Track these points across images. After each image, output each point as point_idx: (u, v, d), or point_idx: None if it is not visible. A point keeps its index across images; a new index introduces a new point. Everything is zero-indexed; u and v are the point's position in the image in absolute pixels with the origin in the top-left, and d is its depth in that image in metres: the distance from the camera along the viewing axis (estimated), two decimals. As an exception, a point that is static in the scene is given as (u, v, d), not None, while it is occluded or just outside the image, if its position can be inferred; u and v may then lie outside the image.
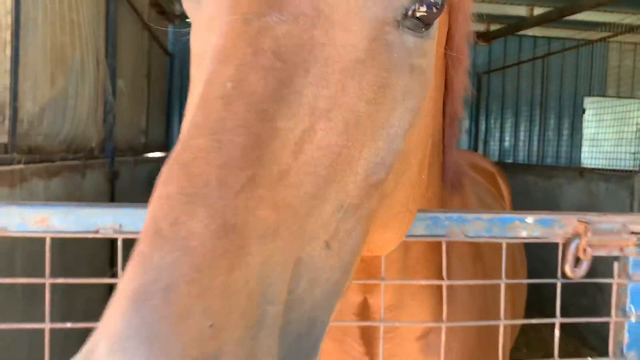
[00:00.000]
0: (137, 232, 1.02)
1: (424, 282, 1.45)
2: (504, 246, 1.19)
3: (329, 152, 0.71)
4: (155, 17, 8.10)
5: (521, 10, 9.07)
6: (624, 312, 1.23)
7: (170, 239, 0.58)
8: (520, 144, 10.75)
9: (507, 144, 10.95)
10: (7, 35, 3.09)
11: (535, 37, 10.56)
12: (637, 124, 6.94)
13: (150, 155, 7.81)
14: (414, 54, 0.85)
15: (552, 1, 8.41)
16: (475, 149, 11.12)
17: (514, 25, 9.40)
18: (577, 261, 1.18)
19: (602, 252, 1.19)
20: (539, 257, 3.40)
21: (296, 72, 0.71)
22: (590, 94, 10.46)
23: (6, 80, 3.11)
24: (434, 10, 0.83)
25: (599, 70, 10.48)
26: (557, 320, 1.21)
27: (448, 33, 1.29)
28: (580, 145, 10.36)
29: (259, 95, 0.67)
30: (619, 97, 10.39)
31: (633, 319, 1.22)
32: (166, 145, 9.56)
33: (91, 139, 4.92)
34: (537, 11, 8.93)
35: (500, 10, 9.03)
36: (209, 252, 0.57)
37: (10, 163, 3.06)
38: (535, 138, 10.29)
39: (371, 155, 0.78)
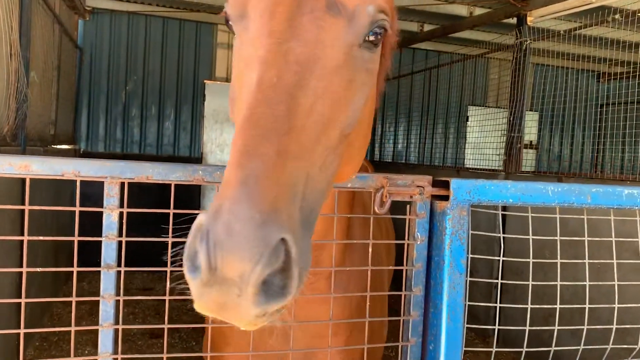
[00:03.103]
0: (95, 177, 1.55)
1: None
2: (336, 194, 1.82)
3: (324, 116, 1.30)
4: (66, 10, 8.22)
5: (413, 26, 10.06)
6: (413, 238, 1.90)
7: (253, 155, 1.14)
8: (412, 146, 11.82)
9: (400, 146, 12.00)
10: (-64, 27, 3.36)
11: (427, 51, 11.66)
12: (503, 130, 8.04)
13: (59, 147, 7.93)
14: (368, 62, 1.48)
15: (439, 19, 9.45)
16: (372, 151, 12.07)
17: (408, 39, 10.42)
18: (383, 203, 1.84)
19: (398, 198, 1.85)
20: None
21: (307, 73, 1.30)
22: (473, 103, 11.71)
23: None
24: (379, 37, 1.47)
25: (481, 82, 11.74)
26: (371, 242, 1.87)
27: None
28: (464, 148, 11.50)
29: (290, 85, 1.26)
30: (497, 107, 11.64)
31: (419, 242, 1.90)
32: (74, 137, 9.61)
33: (3, 127, 5.12)
34: (427, 27, 9.96)
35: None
36: (272, 163, 1.14)
37: None
38: (425, 141, 11.36)
39: (345, 118, 1.39)
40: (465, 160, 11.16)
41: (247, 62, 1.37)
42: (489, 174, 7.49)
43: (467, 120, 11.63)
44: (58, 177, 1.55)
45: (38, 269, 1.64)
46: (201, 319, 1.35)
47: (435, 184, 1.89)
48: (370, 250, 1.88)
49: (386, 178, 1.83)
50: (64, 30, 7.84)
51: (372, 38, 1.46)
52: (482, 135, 10.37)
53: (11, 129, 5.29)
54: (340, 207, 1.95)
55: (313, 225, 1.25)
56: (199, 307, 1.11)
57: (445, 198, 1.86)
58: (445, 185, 1.87)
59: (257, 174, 1.10)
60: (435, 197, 1.89)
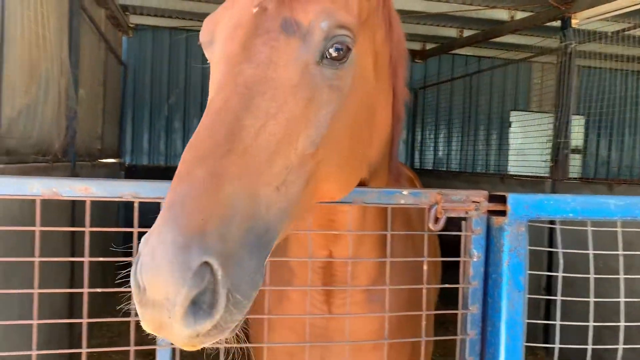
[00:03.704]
0: (152, 198, 1.56)
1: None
2: (389, 210, 1.79)
3: (276, 137, 1.28)
4: (110, 28, 8.47)
5: (452, 32, 9.94)
6: (469, 254, 1.86)
7: (186, 179, 1.16)
8: (453, 153, 11.66)
9: (440, 153, 11.85)
10: (-7, 51, 3.51)
11: (466, 56, 11.51)
12: (548, 135, 7.83)
13: (105, 160, 8.15)
14: (332, 79, 1.42)
15: (478, 24, 9.30)
16: (412, 158, 11.96)
17: (447, 44, 10.30)
18: (437, 220, 1.80)
19: (453, 214, 1.81)
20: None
21: (257, 95, 1.30)
22: (515, 108, 11.48)
23: (-9, 90, 3.53)
24: (341, 52, 1.42)
25: (524, 87, 11.51)
26: (425, 260, 1.83)
27: (389, 48, 1.83)
28: (507, 155, 11.28)
29: (235, 108, 1.27)
30: (540, 111, 11.39)
31: (475, 259, 1.85)
32: (119, 150, 9.86)
33: (55, 144, 5.29)
34: (466, 33, 9.83)
35: (433, 31, 9.88)
36: (202, 186, 1.14)
37: (-6, 163, 3.48)
38: (466, 148, 11.18)
39: (305, 137, 1.34)
40: (509, 167, 10.95)
41: (211, 86, 1.41)
42: (535, 181, 7.30)
43: (510, 125, 11.41)
44: (116, 199, 1.58)
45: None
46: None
47: (491, 198, 1.84)
48: (425, 267, 1.85)
49: (440, 194, 1.79)
50: (109, 47, 8.07)
51: (334, 54, 1.41)
52: (526, 141, 10.15)
53: (62, 146, 5.45)
54: (369, 221, 1.93)
55: (268, 244, 1.23)
56: (143, 326, 1.15)
57: (502, 213, 1.81)
58: (502, 200, 1.82)
59: (184, 197, 1.12)
60: (491, 212, 1.84)
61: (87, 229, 1.55)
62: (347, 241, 1.92)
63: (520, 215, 1.79)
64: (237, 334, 1.23)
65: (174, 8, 8.91)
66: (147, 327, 1.14)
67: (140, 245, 1.12)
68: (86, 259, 1.55)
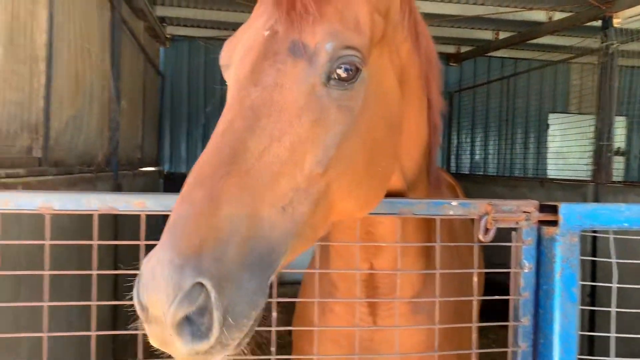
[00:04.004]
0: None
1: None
2: (438, 221, 1.78)
3: (280, 158, 1.29)
4: (148, 40, 8.66)
5: (487, 35, 9.82)
6: (520, 266, 1.83)
7: (186, 201, 1.19)
8: (490, 157, 11.48)
9: (477, 157, 11.67)
10: (43, 66, 3.63)
11: (502, 58, 11.32)
12: (590, 137, 7.65)
13: (145, 169, 8.32)
14: (340, 99, 1.41)
15: (515, 26, 9.16)
16: (448, 162, 11.82)
17: (482, 47, 10.17)
18: (487, 231, 1.78)
19: (503, 225, 1.78)
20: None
21: (262, 117, 1.31)
22: (554, 111, 11.24)
23: (41, 104, 3.65)
24: (350, 73, 1.41)
25: (562, 88, 11.26)
26: (475, 270, 1.81)
27: (418, 61, 1.82)
28: (546, 158, 11.06)
29: (240, 130, 1.29)
30: (580, 113, 11.12)
31: (526, 270, 1.82)
32: (158, 159, 10.06)
33: (98, 154, 5.44)
34: (502, 35, 9.69)
35: (468, 34, 9.77)
36: (201, 207, 1.17)
37: (44, 175, 3.59)
38: (504, 152, 10.99)
39: (311, 159, 1.34)
40: (548, 170, 10.73)
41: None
42: (576, 184, 7.13)
43: (548, 128, 11.18)
44: (169, 213, 1.61)
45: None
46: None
47: (542, 208, 1.80)
48: (475, 279, 1.83)
49: (490, 204, 1.77)
50: (148, 58, 8.26)
51: (343, 75, 1.39)
52: (565, 143, 9.94)
53: (105, 155, 5.60)
54: (409, 232, 1.91)
55: (273, 263, 1.24)
56: (150, 341, 1.19)
57: (553, 223, 1.78)
58: (553, 209, 1.78)
59: (184, 218, 1.15)
60: (542, 223, 1.81)
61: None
62: (389, 253, 1.92)
63: (573, 226, 1.76)
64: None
65: (210, 18, 9.05)
66: (153, 343, 1.19)
67: (142, 264, 1.16)
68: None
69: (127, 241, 1.72)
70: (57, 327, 3.26)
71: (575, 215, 1.76)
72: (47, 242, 1.54)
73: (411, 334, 2.05)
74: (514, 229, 1.83)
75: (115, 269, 5.18)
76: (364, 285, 2.00)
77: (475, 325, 1.84)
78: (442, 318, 1.96)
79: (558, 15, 8.40)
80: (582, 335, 1.77)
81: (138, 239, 1.58)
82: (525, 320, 1.81)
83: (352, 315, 2.07)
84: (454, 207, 1.76)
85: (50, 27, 3.67)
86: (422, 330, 2.03)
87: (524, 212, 1.80)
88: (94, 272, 1.58)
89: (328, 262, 2.07)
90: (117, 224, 5.19)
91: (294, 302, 2.50)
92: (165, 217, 1.29)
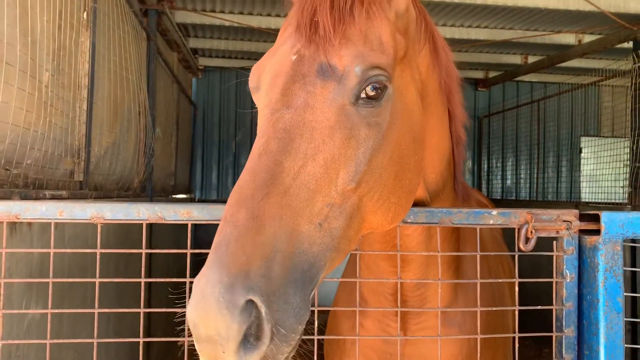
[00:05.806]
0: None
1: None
2: (478, 230, 1.78)
3: (315, 176, 1.34)
4: (182, 71, 8.92)
5: (516, 59, 9.81)
6: (562, 275, 1.81)
7: (230, 222, 1.23)
8: (522, 181, 11.33)
9: (509, 182, 11.54)
10: (85, 93, 3.79)
11: (531, 82, 11.28)
12: (625, 160, 7.51)
13: (178, 196, 8.47)
14: (369, 116, 1.46)
15: (544, 50, 9.15)
16: (480, 188, 11.71)
17: (511, 72, 10.16)
18: (528, 240, 1.77)
19: (544, 234, 1.78)
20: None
21: (295, 137, 1.36)
22: (585, 134, 11.09)
23: (83, 129, 3.79)
24: (378, 91, 1.46)
25: (593, 111, 11.11)
26: (516, 280, 1.80)
27: (438, 74, 1.86)
28: (580, 182, 10.86)
29: (275, 152, 1.33)
30: (613, 136, 10.95)
31: (568, 280, 1.80)
32: (190, 186, 10.23)
33: (134, 180, 5.58)
34: (531, 59, 9.67)
35: (497, 58, 9.78)
36: (245, 228, 1.21)
37: (85, 198, 3.71)
38: (536, 176, 10.85)
39: (345, 175, 1.39)
40: (582, 194, 10.52)
41: (257, 132, 1.47)
42: (612, 208, 6.99)
43: (581, 152, 11.01)
44: (214, 222, 1.66)
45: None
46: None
47: (582, 217, 1.80)
48: (516, 290, 1.81)
49: (530, 213, 1.77)
50: (181, 88, 8.49)
51: (371, 93, 1.45)
52: (599, 167, 9.76)
53: (140, 181, 5.74)
54: (435, 244, 1.91)
55: (314, 278, 1.28)
56: (202, 358, 1.21)
57: (595, 232, 1.77)
58: (594, 218, 1.78)
59: (229, 239, 1.19)
60: (582, 232, 1.80)
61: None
62: (416, 266, 1.93)
63: (615, 234, 1.74)
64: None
65: (241, 49, 9.28)
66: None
67: (193, 284, 1.20)
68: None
69: (173, 250, 1.77)
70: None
71: (617, 223, 1.75)
72: (98, 251, 1.60)
73: (443, 347, 2.03)
74: (555, 239, 1.82)
75: (150, 277, 5.26)
76: (392, 299, 2.02)
77: (518, 335, 1.82)
78: (475, 331, 1.97)
79: (587, 38, 8.36)
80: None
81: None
82: (570, 331, 1.79)
83: (383, 330, 2.09)
84: (494, 217, 1.77)
85: (92, 56, 3.84)
86: (454, 343, 2.02)
87: (565, 221, 1.79)
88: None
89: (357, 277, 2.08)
90: (152, 233, 5.30)
91: (325, 325, 2.51)
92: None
